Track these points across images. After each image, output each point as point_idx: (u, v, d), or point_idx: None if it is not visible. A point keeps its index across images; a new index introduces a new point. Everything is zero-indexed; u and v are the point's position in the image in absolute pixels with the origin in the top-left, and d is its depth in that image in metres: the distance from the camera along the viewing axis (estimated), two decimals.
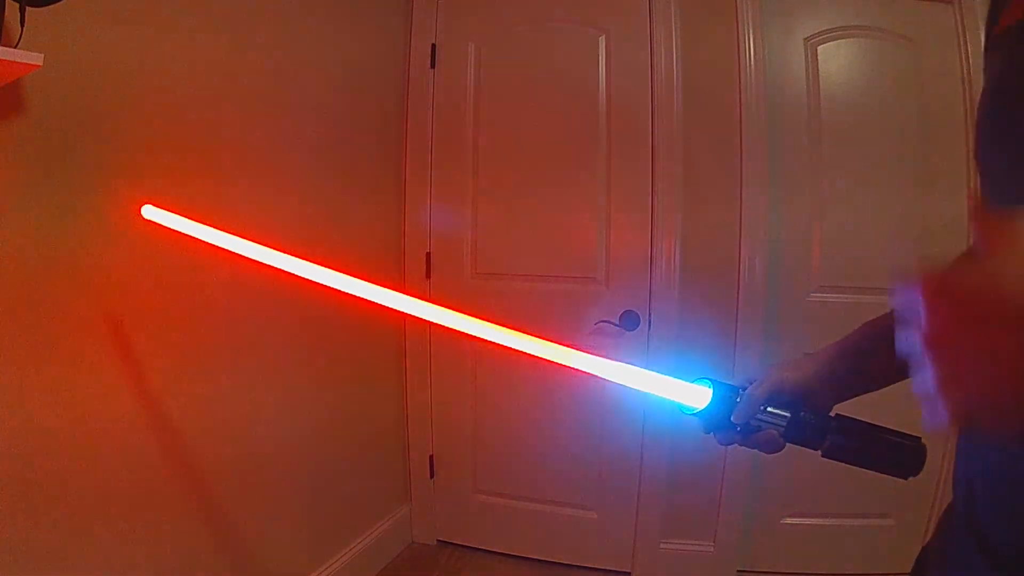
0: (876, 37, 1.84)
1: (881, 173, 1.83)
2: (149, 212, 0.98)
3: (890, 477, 0.55)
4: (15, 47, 0.82)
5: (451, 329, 0.61)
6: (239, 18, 1.37)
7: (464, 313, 0.58)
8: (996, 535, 0.40)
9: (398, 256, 2.11)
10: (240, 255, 0.80)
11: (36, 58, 0.82)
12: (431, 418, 2.16)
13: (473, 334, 0.59)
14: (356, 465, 1.90)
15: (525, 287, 2.01)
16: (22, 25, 0.84)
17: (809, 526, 1.92)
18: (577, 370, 0.57)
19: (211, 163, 1.32)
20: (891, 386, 0.61)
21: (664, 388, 0.56)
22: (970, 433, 0.32)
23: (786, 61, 1.87)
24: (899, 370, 0.62)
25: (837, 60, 1.85)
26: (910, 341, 0.30)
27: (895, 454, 0.55)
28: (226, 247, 0.82)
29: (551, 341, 0.56)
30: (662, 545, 1.96)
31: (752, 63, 1.82)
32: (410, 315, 0.62)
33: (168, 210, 0.95)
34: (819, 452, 0.56)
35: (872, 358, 0.61)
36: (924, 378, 0.30)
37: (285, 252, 0.74)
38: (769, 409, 0.56)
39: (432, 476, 2.18)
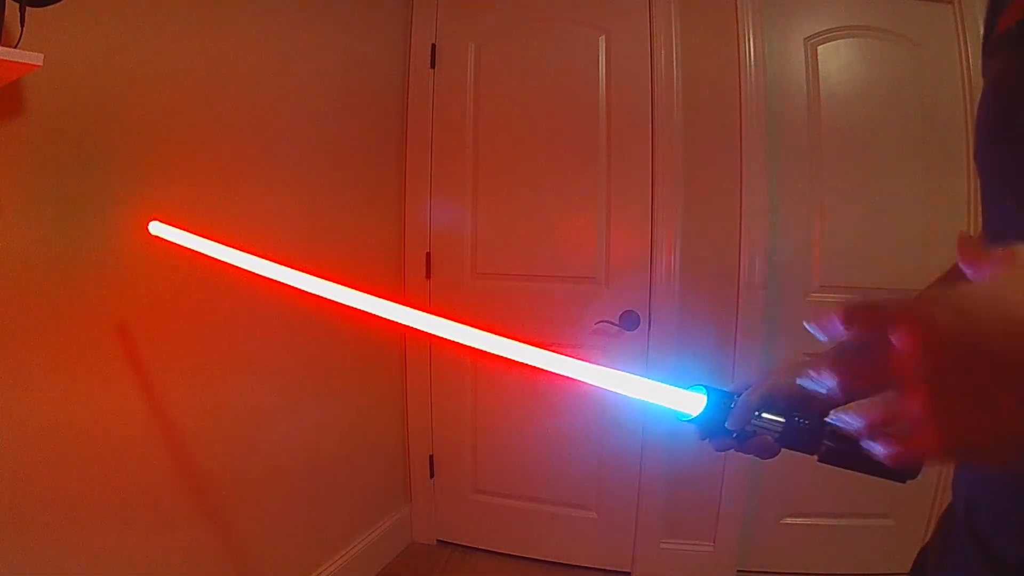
0: (876, 37, 1.84)
1: (881, 173, 1.83)
2: (156, 228, 0.97)
3: (894, 482, 0.55)
4: (15, 47, 0.82)
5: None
6: (240, 18, 1.37)
7: (464, 313, 0.58)
8: (997, 540, 0.40)
9: (398, 256, 2.11)
10: (243, 269, 0.79)
11: (36, 58, 0.82)
12: (431, 418, 2.16)
13: (461, 342, 0.58)
14: (356, 465, 1.90)
15: (525, 287, 2.01)
16: (22, 25, 0.84)
17: (809, 526, 1.92)
18: (569, 378, 0.56)
19: (211, 163, 1.32)
20: None
21: (658, 395, 0.56)
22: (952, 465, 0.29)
23: (786, 61, 1.87)
24: None
25: (837, 60, 1.85)
26: (892, 371, 0.28)
27: None
28: (230, 262, 0.82)
29: (545, 345, 0.56)
30: (662, 545, 1.96)
31: (752, 63, 1.82)
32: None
33: (171, 210, 0.96)
34: (815, 457, 0.56)
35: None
36: (902, 410, 0.28)
37: (285, 255, 0.74)
38: (764, 415, 0.56)
39: (432, 476, 2.18)
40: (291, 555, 1.63)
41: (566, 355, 0.57)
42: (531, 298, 2.00)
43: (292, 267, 0.72)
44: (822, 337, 0.30)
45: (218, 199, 1.34)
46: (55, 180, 1.00)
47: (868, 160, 1.84)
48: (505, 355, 0.56)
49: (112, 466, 1.11)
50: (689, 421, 0.57)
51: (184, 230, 0.93)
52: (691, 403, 0.56)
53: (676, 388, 0.56)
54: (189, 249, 0.90)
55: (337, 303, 0.65)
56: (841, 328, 0.29)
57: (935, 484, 1.75)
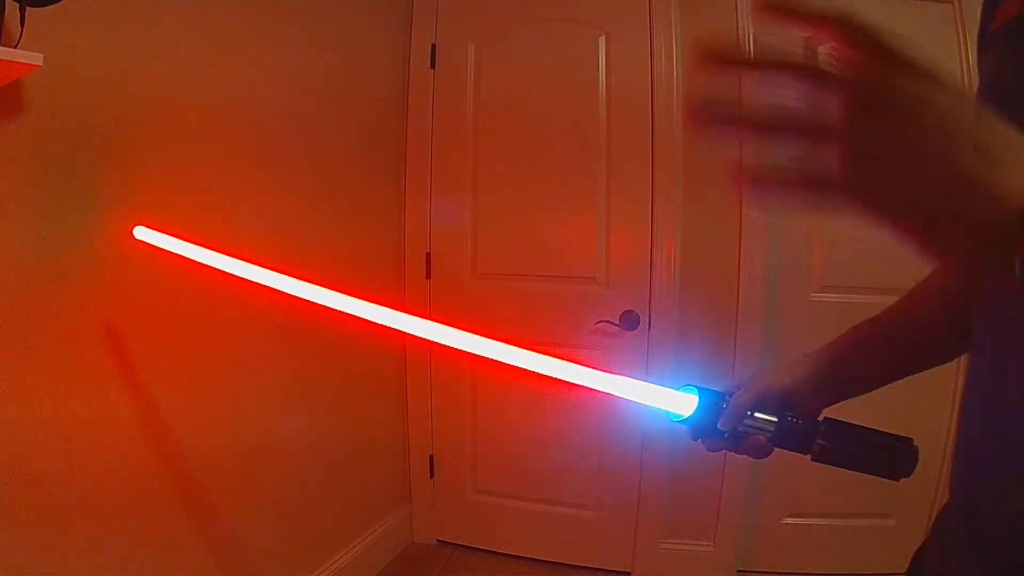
0: None
1: None
2: (140, 233, 0.96)
3: (889, 480, 0.55)
4: (15, 47, 0.82)
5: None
6: (240, 19, 1.37)
7: (464, 313, 0.58)
8: (996, 535, 0.40)
9: (398, 256, 2.11)
10: (233, 274, 0.78)
11: (36, 58, 0.82)
12: (431, 418, 2.16)
13: (455, 346, 0.58)
14: (356, 465, 1.90)
15: (525, 287, 2.01)
16: (22, 25, 0.84)
17: (809, 526, 1.92)
18: (562, 381, 0.56)
19: (211, 163, 1.32)
20: (880, 389, 0.61)
21: (650, 396, 0.56)
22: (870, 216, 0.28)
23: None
24: (889, 374, 0.62)
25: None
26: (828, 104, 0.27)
27: (885, 456, 0.55)
28: (217, 267, 0.81)
29: (545, 345, 0.56)
30: (662, 545, 1.96)
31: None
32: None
33: (170, 210, 0.95)
34: (809, 457, 0.56)
35: (861, 362, 0.61)
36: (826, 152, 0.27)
37: (286, 254, 0.73)
38: (756, 415, 0.56)
39: (432, 476, 2.18)
40: (291, 555, 1.63)
41: (566, 355, 0.57)
42: (531, 298, 2.00)
43: (292, 268, 0.72)
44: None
45: (218, 199, 1.34)
46: (55, 183, 1.00)
47: None
48: (492, 358, 0.56)
49: (105, 469, 1.10)
50: (681, 422, 0.57)
51: (184, 231, 0.92)
52: (683, 404, 0.56)
53: (667, 389, 0.56)
54: (177, 254, 0.89)
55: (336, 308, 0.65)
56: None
57: (935, 484, 1.74)
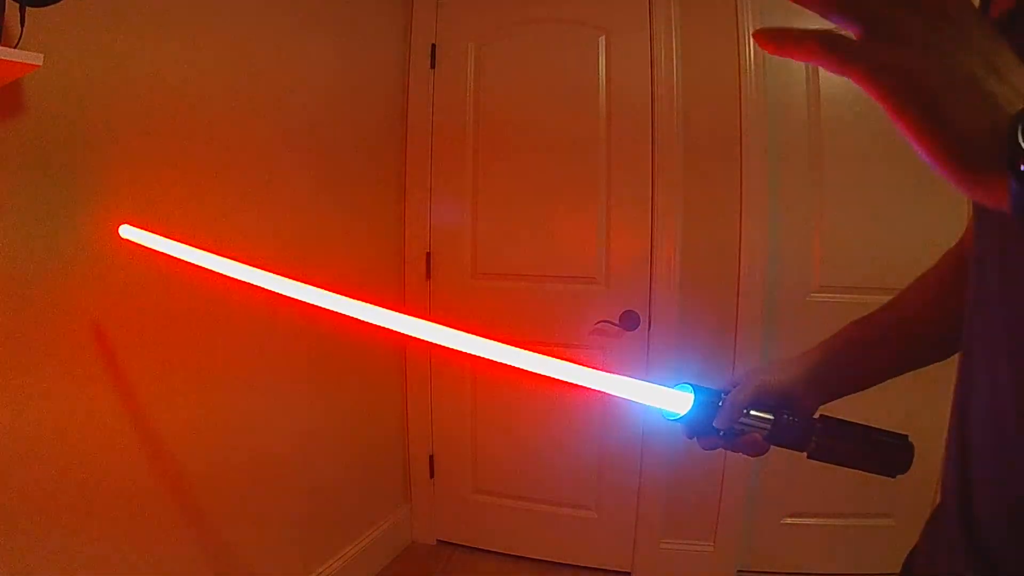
0: None
1: (881, 173, 1.83)
2: (126, 232, 0.95)
3: (884, 476, 0.55)
4: (15, 47, 0.82)
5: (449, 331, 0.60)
6: (239, 18, 1.37)
7: (464, 313, 0.57)
8: (991, 542, 0.40)
9: (398, 256, 2.11)
10: (222, 275, 0.77)
11: (36, 58, 0.82)
12: (431, 418, 2.16)
13: (453, 347, 0.57)
14: (356, 465, 1.90)
15: (525, 287, 2.01)
16: (22, 25, 0.84)
17: (809, 526, 1.92)
18: (557, 380, 0.56)
19: (211, 163, 1.32)
20: (880, 388, 0.61)
21: (645, 394, 0.56)
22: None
23: (787, 60, 1.85)
24: (883, 372, 0.62)
25: None
26: None
27: (881, 453, 0.55)
28: (205, 266, 0.79)
29: (545, 345, 0.55)
30: (662, 545, 1.96)
31: (752, 63, 1.82)
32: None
33: (169, 210, 0.95)
34: (805, 454, 0.56)
35: (855, 359, 0.61)
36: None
37: (286, 254, 0.73)
38: (752, 412, 0.56)
39: (432, 476, 2.18)
40: (291, 555, 1.63)
41: (566, 355, 0.57)
42: (531, 298, 2.00)
43: (290, 267, 0.72)
44: None
45: (217, 200, 1.34)
46: (53, 183, 1.00)
47: (868, 160, 1.84)
48: (490, 358, 0.56)
49: (94, 471, 1.08)
50: (677, 420, 0.56)
51: (183, 232, 0.92)
52: (678, 402, 0.56)
53: (663, 387, 0.56)
54: (166, 254, 0.89)
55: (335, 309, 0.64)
56: None
57: (935, 484, 1.74)
